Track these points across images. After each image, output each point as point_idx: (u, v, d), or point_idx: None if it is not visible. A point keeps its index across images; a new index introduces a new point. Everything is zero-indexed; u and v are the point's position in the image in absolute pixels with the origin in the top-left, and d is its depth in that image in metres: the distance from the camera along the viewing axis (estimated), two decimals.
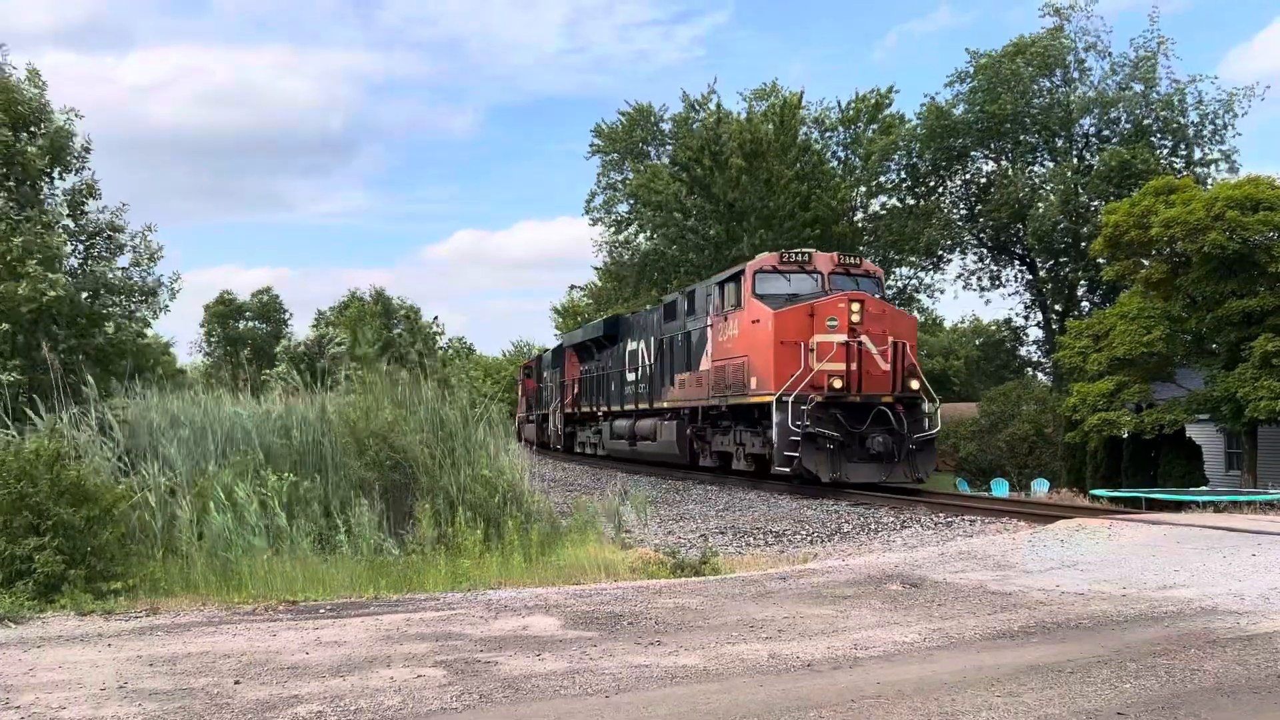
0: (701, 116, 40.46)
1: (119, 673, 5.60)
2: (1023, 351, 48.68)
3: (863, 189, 43.65)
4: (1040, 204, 39.64)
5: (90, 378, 11.58)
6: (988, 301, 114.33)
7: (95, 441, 10.57)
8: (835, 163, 43.67)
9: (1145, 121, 37.94)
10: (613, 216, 46.80)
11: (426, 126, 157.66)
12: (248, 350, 48.41)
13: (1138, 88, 38.24)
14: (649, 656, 5.85)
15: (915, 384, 16.52)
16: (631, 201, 43.75)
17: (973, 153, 42.58)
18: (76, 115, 13.73)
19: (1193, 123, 38.27)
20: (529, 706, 4.92)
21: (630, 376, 24.34)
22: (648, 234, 41.78)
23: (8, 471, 8.16)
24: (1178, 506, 16.85)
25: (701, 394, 19.55)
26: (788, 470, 16.18)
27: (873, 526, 13.05)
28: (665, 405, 21.72)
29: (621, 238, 45.43)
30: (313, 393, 12.90)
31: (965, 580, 8.40)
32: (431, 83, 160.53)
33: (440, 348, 50.27)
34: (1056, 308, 42.10)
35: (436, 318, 74.77)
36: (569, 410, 30.68)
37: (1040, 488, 27.27)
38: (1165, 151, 38.17)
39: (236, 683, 5.35)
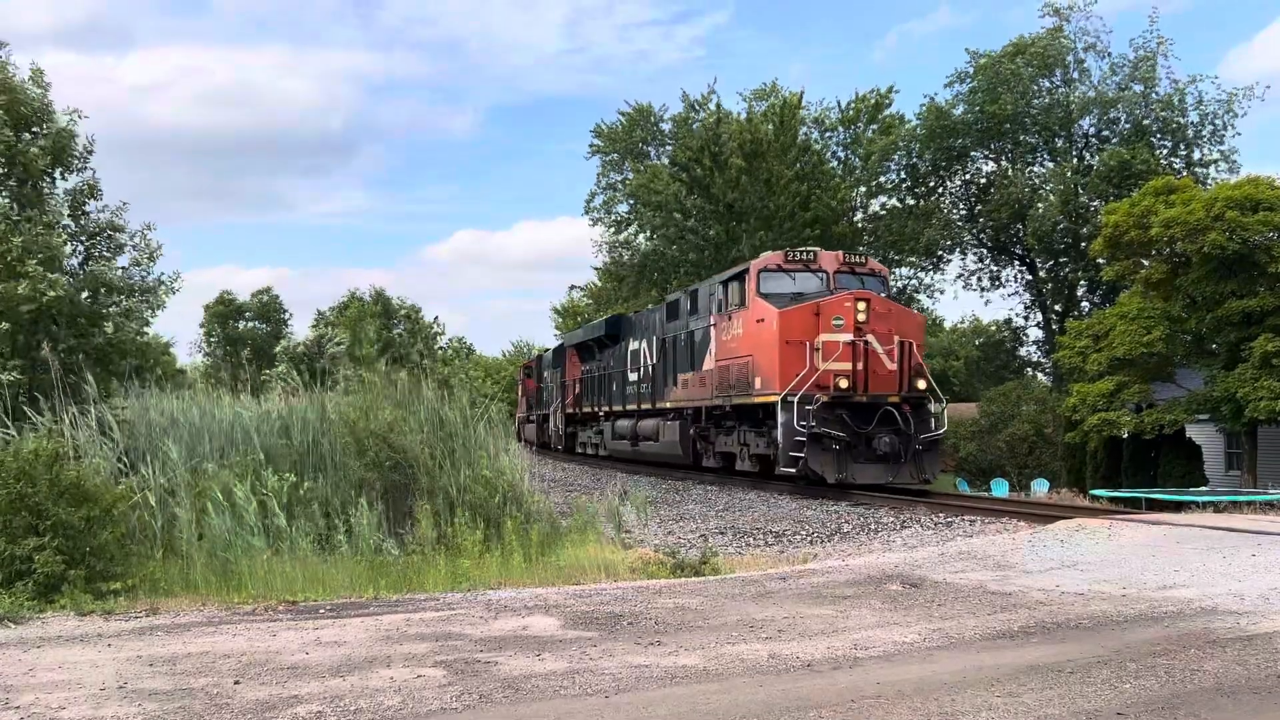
0: (701, 117, 40.48)
1: (119, 673, 5.60)
2: (1023, 352, 48.72)
3: (862, 189, 43.68)
4: (1040, 204, 39.66)
5: (90, 377, 11.59)
6: (987, 302, 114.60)
7: (95, 441, 10.58)
8: (835, 163, 43.68)
9: (1145, 122, 37.96)
10: (613, 217, 46.83)
11: (426, 126, 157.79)
12: (248, 350, 48.44)
13: (1137, 88, 38.26)
14: (649, 656, 5.85)
15: (922, 384, 16.39)
16: (631, 201, 43.76)
17: (973, 153, 42.60)
18: (80, 116, 13.72)
19: (1192, 123, 38.30)
20: (529, 706, 4.92)
21: (632, 376, 24.24)
22: (648, 234, 41.78)
23: (7, 472, 8.16)
24: (1178, 507, 16.85)
25: (705, 394, 19.45)
26: (793, 471, 16.05)
27: (873, 527, 13.05)
28: (668, 405, 21.63)
29: (621, 238, 45.45)
30: (312, 393, 12.91)
31: (965, 580, 8.40)
32: (431, 83, 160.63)
33: (440, 348, 50.27)
34: (1056, 308, 42.11)
35: (437, 318, 74.72)
36: (570, 410, 30.62)
37: (1040, 488, 27.28)
38: (1165, 152, 38.19)
39: (236, 683, 5.35)
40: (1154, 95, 38.16)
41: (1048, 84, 40.08)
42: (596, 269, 46.44)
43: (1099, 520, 11.86)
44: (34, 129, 13.39)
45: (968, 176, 43.95)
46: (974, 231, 43.60)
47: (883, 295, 17.36)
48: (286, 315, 54.21)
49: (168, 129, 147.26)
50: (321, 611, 7.43)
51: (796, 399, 15.66)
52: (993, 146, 42.33)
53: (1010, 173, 41.61)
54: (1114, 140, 38.56)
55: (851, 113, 44.16)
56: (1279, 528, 10.66)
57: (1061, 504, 18.53)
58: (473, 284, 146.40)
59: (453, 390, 13.16)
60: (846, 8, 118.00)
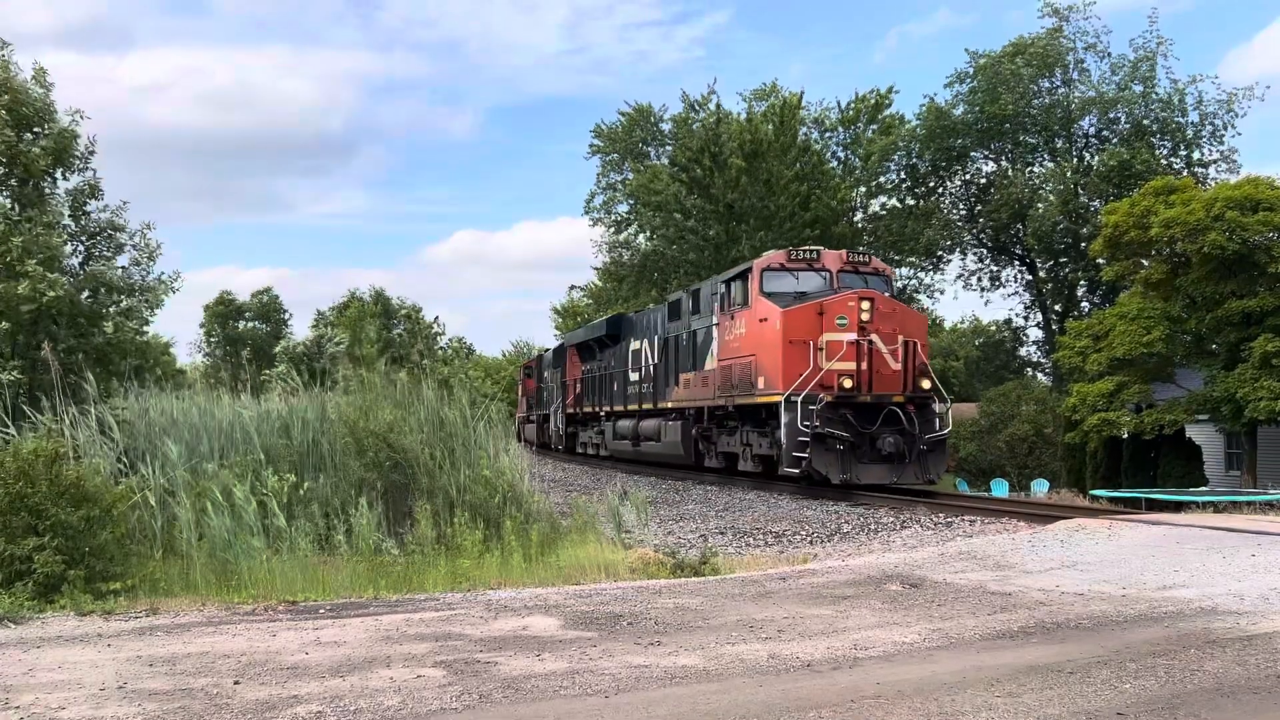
0: (701, 117, 40.45)
1: (119, 673, 5.60)
2: (1023, 352, 48.76)
3: (862, 189, 43.67)
4: (1040, 204, 39.70)
5: (90, 377, 11.59)
6: (987, 302, 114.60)
7: (95, 441, 10.58)
8: (835, 163, 43.67)
9: (1145, 122, 37.98)
10: (613, 217, 46.84)
11: (426, 127, 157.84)
12: (248, 350, 48.47)
13: (1137, 88, 38.28)
14: (649, 657, 5.85)
15: (927, 383, 16.27)
16: (631, 202, 43.77)
17: (972, 153, 42.63)
18: (83, 117, 13.72)
19: (1192, 123, 38.32)
20: (529, 707, 4.92)
21: (633, 376, 24.15)
22: (647, 234, 41.78)
23: (6, 472, 8.15)
24: (1177, 507, 16.84)
25: (707, 394, 19.36)
26: (796, 471, 15.94)
27: (872, 527, 13.05)
28: (669, 405, 21.54)
29: (621, 238, 45.45)
30: (312, 393, 12.91)
31: (965, 580, 8.40)
32: (431, 83, 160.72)
33: (440, 348, 50.28)
34: (1056, 308, 42.14)
35: (437, 318, 74.73)
36: (571, 410, 30.56)
37: (1040, 488, 27.28)
38: (1165, 152, 38.21)
39: (236, 683, 5.35)
40: (1154, 95, 38.20)
41: (1047, 84, 40.12)
42: (596, 269, 46.49)
43: (1099, 520, 11.87)
44: (35, 129, 13.39)
45: (968, 177, 44.01)
46: (974, 232, 43.62)
47: (886, 294, 17.23)
48: (286, 315, 54.34)
49: (168, 129, 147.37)
50: (321, 612, 7.43)
51: (800, 399, 15.55)
52: (993, 146, 42.36)
53: (1010, 173, 41.64)
54: (1114, 140, 38.59)
55: (851, 113, 44.16)
56: (1279, 528, 10.66)
57: (1061, 504, 18.52)
58: (473, 284, 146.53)
59: (452, 390, 13.15)
60: (846, 8, 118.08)
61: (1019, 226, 40.92)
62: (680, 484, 19.96)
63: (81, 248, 14.14)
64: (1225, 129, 38.33)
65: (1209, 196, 23.30)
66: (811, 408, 15.53)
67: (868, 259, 18.21)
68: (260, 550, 9.31)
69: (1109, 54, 39.51)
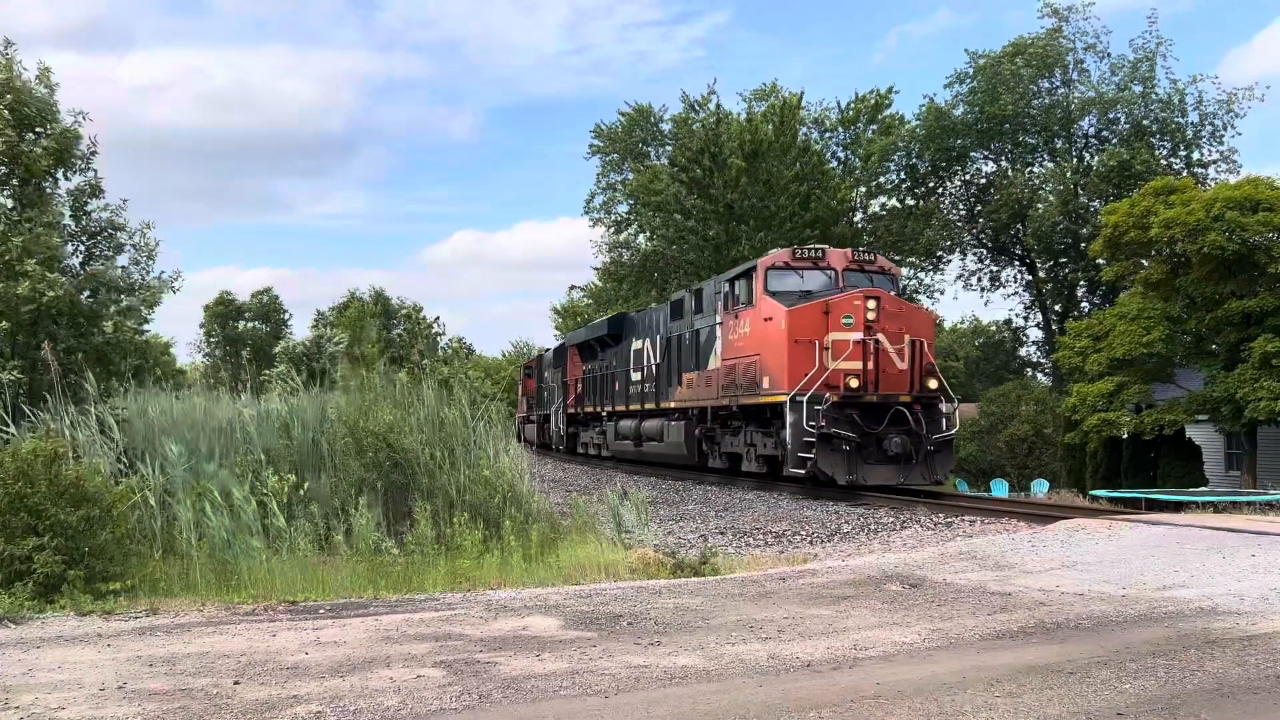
0: (701, 117, 40.44)
1: (118, 673, 5.59)
2: (1023, 352, 48.76)
3: (862, 189, 43.66)
4: (1040, 204, 39.71)
5: (91, 377, 11.59)
6: (987, 302, 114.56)
7: (94, 441, 10.58)
8: (835, 163, 43.67)
9: (1144, 122, 38.00)
10: (613, 217, 46.84)
11: (426, 128, 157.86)
12: (247, 350, 48.49)
13: (1137, 88, 38.30)
14: (649, 657, 5.85)
15: (934, 383, 16.10)
16: (631, 202, 43.77)
17: (972, 153, 42.65)
18: (85, 118, 13.73)
19: (1192, 123, 38.34)
20: (529, 707, 4.92)
21: (635, 376, 24.02)
22: (647, 235, 41.78)
23: (5, 472, 8.15)
24: (1177, 507, 16.84)
25: (710, 394, 19.22)
26: (801, 472, 15.79)
27: (872, 527, 13.04)
28: (672, 405, 21.41)
29: (621, 238, 45.45)
30: (312, 393, 12.91)
31: (965, 581, 8.40)
32: (431, 84, 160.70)
33: (441, 348, 50.27)
34: (1056, 308, 42.16)
35: (438, 318, 74.82)
36: (572, 410, 30.46)
37: (1040, 488, 27.26)
38: (1165, 152, 38.23)
39: (236, 683, 5.35)
40: (1154, 96, 38.22)
41: (1047, 84, 40.14)
42: (596, 269, 46.49)
43: (1099, 520, 11.87)
44: (38, 129, 13.39)
45: (967, 177, 44.03)
46: (974, 232, 43.63)
47: (892, 293, 17.07)
48: (286, 316, 54.32)
49: (168, 130, 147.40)
50: (321, 612, 7.43)
51: (806, 399, 15.36)
52: (992, 147, 42.38)
53: (1010, 173, 41.67)
54: (1114, 141, 38.61)
55: (851, 113, 44.14)
56: (1278, 528, 10.67)
57: (1061, 504, 18.53)
58: (473, 284, 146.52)
59: (452, 390, 13.15)
60: (846, 8, 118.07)
61: (1019, 227, 40.94)
62: (680, 484, 19.95)
63: (82, 247, 14.15)
64: (1225, 129, 38.39)
65: (1209, 197, 23.30)
66: (817, 408, 15.35)
67: (873, 257, 18.01)
68: (260, 550, 9.31)
69: (1109, 54, 39.58)
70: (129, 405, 12.31)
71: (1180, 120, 38.10)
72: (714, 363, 19.09)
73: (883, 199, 44.26)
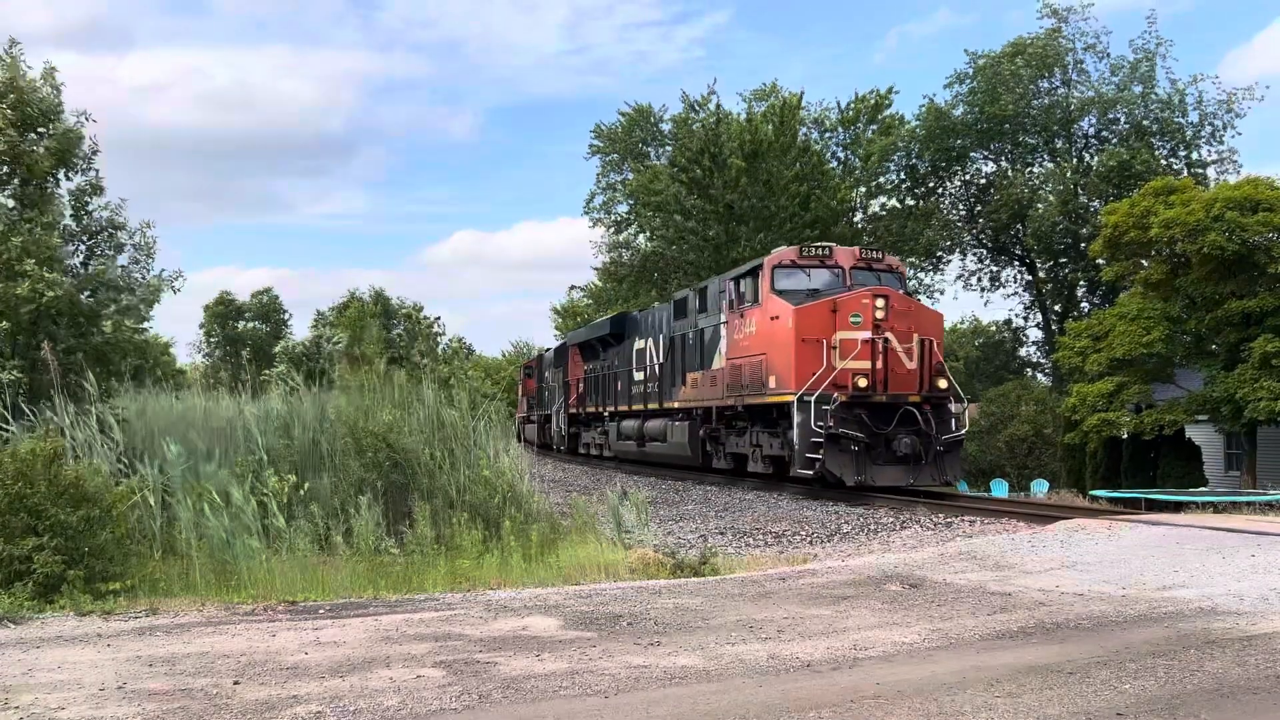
0: (701, 117, 40.45)
1: (118, 673, 5.59)
2: (1023, 352, 48.73)
3: (862, 190, 43.67)
4: (1040, 204, 39.70)
5: (91, 377, 11.58)
6: (987, 303, 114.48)
7: (95, 441, 10.57)
8: (835, 163, 43.67)
9: (1144, 122, 38.00)
10: (613, 217, 46.84)
11: (426, 128, 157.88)
12: (247, 350, 48.51)
13: (1137, 89, 38.31)
14: (648, 657, 5.85)
15: (943, 383, 15.96)
16: (631, 202, 43.77)
17: (972, 153, 42.65)
18: (89, 119, 13.72)
19: (1192, 123, 38.34)
20: (528, 707, 4.92)
21: (638, 376, 23.89)
22: (647, 235, 41.79)
23: (4, 472, 8.15)
24: (1177, 507, 16.84)
25: (715, 393, 19.08)
26: (809, 473, 15.62)
27: (872, 527, 13.05)
28: (676, 405, 21.29)
29: (621, 238, 45.45)
30: (312, 393, 12.91)
31: (965, 581, 8.40)
32: (431, 84, 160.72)
33: (441, 348, 50.29)
34: (1056, 308, 42.16)
35: (438, 318, 74.77)
36: (574, 410, 30.36)
37: (1040, 489, 27.25)
38: (1165, 152, 38.23)
39: (236, 683, 5.35)
40: (1153, 96, 38.22)
41: (1047, 85, 40.14)
42: (596, 269, 46.50)
43: (1099, 521, 11.88)
44: (40, 129, 13.38)
45: (967, 177, 44.03)
46: (974, 232, 43.64)
47: (901, 291, 16.93)
48: (286, 316, 54.34)
49: (168, 130, 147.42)
50: (321, 612, 7.43)
51: (814, 399, 15.23)
52: (992, 147, 42.38)
53: (1010, 173, 41.67)
54: (1113, 141, 38.62)
55: (851, 113, 44.15)
56: (1278, 528, 10.67)
57: (1061, 504, 18.52)
58: (473, 284, 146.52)
59: (452, 390, 13.14)
60: (846, 8, 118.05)
61: (1019, 227, 40.93)
62: (680, 484, 19.94)
63: (83, 247, 14.15)
64: (1225, 129, 38.38)
65: (1209, 197, 23.30)
66: (825, 408, 15.20)
67: (881, 255, 17.86)
68: (260, 550, 9.31)
69: (1108, 54, 39.58)
70: (128, 405, 12.31)
71: (1180, 120, 38.10)
72: (719, 362, 18.95)
73: (882, 199, 44.29)
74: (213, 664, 5.78)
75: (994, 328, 51.20)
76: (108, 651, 6.14)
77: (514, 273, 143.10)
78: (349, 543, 9.81)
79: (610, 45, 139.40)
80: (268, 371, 26.50)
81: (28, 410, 10.91)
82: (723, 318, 18.94)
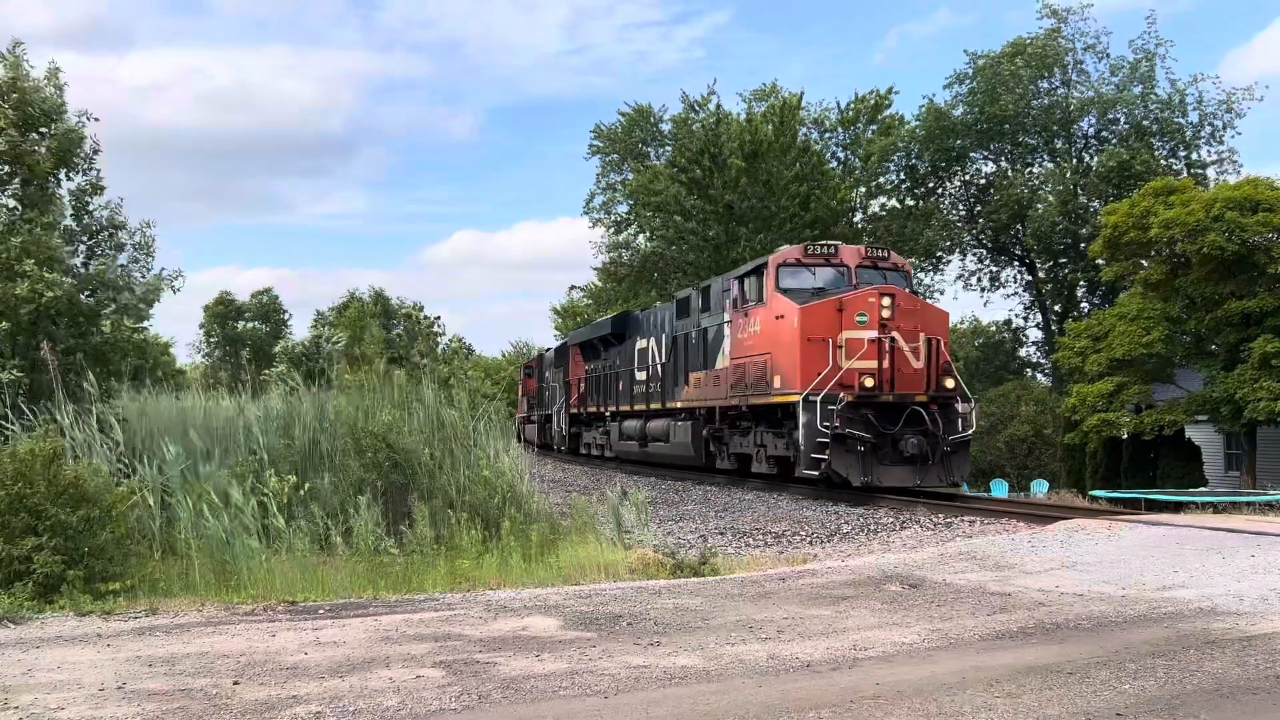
0: (701, 117, 40.47)
1: (118, 673, 5.59)
2: (1022, 352, 48.77)
3: (862, 190, 43.70)
4: (1040, 205, 39.73)
5: (92, 376, 11.58)
6: (987, 303, 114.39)
7: (94, 441, 10.57)
8: (835, 163, 43.69)
9: (1144, 122, 38.03)
10: (612, 217, 46.86)
11: (426, 128, 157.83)
12: (247, 351, 48.51)
13: (1137, 89, 38.34)
14: (648, 657, 5.85)
15: (950, 382, 15.81)
16: (631, 202, 43.79)
17: (972, 154, 42.68)
18: (91, 119, 13.72)
19: (1192, 124, 38.37)
20: (528, 707, 4.92)
21: (640, 375, 23.77)
22: (647, 235, 41.81)
23: (3, 472, 8.15)
24: (1177, 507, 16.85)
25: (719, 393, 18.96)
26: (815, 474, 15.51)
27: (872, 527, 13.05)
28: (679, 405, 21.17)
29: (621, 238, 45.47)
30: (312, 393, 12.90)
31: (965, 581, 8.40)
32: (431, 84, 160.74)
33: (441, 348, 50.29)
34: (1056, 308, 42.19)
35: (438, 318, 74.75)
36: (574, 410, 30.28)
37: (1039, 489, 27.27)
38: (1164, 152, 38.26)
39: (235, 683, 5.35)
40: (1153, 96, 38.26)
41: (1047, 85, 40.18)
42: (596, 269, 46.53)
43: (1098, 521, 11.88)
44: (42, 129, 13.38)
45: (967, 177, 44.07)
46: (973, 232, 43.67)
47: (907, 290, 16.81)
48: (286, 316, 54.41)
49: (168, 130, 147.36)
50: (321, 612, 7.43)
51: (819, 399, 15.10)
52: (992, 147, 42.42)
53: (1010, 173, 41.70)
54: (1113, 141, 38.64)
55: (851, 113, 44.18)
56: (1278, 529, 10.67)
57: (1061, 505, 18.51)
58: (473, 284, 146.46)
59: (452, 390, 13.14)
60: (846, 8, 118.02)
61: (1018, 227, 40.96)
62: (680, 484, 19.93)
63: (84, 247, 14.15)
64: (1225, 129, 38.43)
65: (1208, 197, 23.33)
66: (831, 408, 15.06)
67: (886, 254, 17.73)
68: (259, 550, 9.31)
69: (1108, 55, 39.63)
70: (128, 405, 12.30)
71: (1180, 120, 38.14)
72: (722, 362, 18.84)
73: (882, 199, 44.33)
74: (212, 664, 5.78)
75: (994, 328, 51.24)
76: (107, 651, 6.14)
77: (514, 273, 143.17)
78: (349, 543, 9.80)
79: (610, 45, 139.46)
80: (267, 371, 26.51)
81: (28, 410, 10.91)
82: (726, 317, 18.83)
